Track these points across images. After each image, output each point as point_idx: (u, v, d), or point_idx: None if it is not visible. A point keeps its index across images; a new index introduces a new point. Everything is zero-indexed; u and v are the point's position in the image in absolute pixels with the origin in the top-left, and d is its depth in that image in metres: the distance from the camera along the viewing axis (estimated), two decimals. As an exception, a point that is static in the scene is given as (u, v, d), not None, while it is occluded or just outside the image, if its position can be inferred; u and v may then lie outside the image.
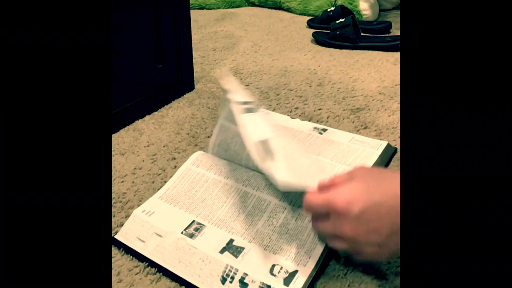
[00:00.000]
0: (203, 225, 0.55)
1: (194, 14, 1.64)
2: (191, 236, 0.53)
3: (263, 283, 0.48)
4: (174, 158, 0.73)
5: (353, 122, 0.84)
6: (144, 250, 0.53)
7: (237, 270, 0.49)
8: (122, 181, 0.67)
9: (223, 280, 0.49)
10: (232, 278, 0.49)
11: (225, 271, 0.49)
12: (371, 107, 0.91)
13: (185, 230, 0.54)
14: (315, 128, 0.77)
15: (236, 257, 0.51)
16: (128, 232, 0.55)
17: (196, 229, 0.54)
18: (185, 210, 0.57)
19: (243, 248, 0.52)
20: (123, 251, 0.54)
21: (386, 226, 0.41)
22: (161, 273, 0.51)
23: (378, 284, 0.50)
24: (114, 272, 0.51)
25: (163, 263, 0.51)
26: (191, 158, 0.65)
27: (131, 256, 0.53)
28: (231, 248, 0.52)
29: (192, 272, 0.50)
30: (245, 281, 0.48)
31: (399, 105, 0.90)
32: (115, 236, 0.55)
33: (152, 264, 0.52)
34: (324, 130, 0.77)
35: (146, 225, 0.55)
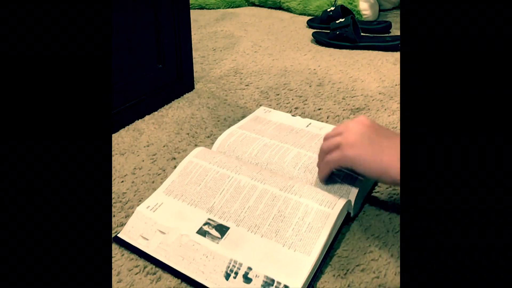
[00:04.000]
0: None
1: (194, 14, 1.64)
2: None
3: (267, 277, 0.48)
4: (174, 158, 0.73)
5: (353, 122, 0.84)
6: (147, 248, 0.53)
7: (240, 264, 0.49)
8: (122, 181, 0.67)
9: (227, 276, 0.49)
10: (236, 273, 0.49)
11: (228, 267, 0.49)
12: (371, 107, 0.91)
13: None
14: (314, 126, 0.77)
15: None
16: (131, 230, 0.55)
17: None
18: (195, 206, 0.57)
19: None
20: (123, 251, 0.54)
21: (371, 135, 0.54)
22: (161, 273, 0.51)
23: (378, 284, 0.50)
24: (114, 272, 0.51)
25: (167, 261, 0.51)
26: (192, 152, 0.65)
27: (131, 256, 0.53)
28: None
29: (196, 269, 0.50)
30: (249, 276, 0.48)
31: (399, 105, 0.90)
32: (118, 235, 0.55)
33: (155, 262, 0.52)
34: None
35: (150, 222, 0.55)
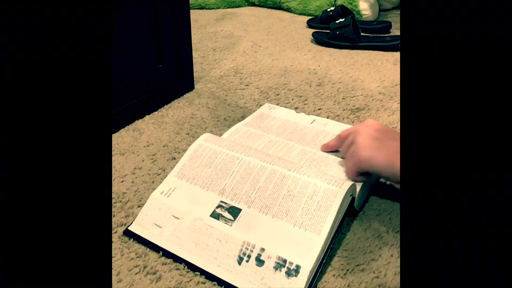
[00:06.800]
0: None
1: (194, 14, 1.64)
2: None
3: (279, 258, 0.49)
4: (174, 158, 0.73)
5: (353, 122, 0.85)
6: (160, 237, 0.53)
7: (253, 246, 0.50)
8: (122, 181, 0.67)
9: (240, 260, 0.49)
10: (249, 256, 0.49)
11: (241, 250, 0.50)
12: (371, 107, 0.91)
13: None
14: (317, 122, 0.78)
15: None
16: (144, 219, 0.56)
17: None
18: (207, 189, 0.58)
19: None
20: (123, 251, 0.54)
21: (379, 140, 0.58)
22: (161, 273, 0.51)
23: (378, 284, 0.50)
24: (114, 272, 0.51)
25: (180, 249, 0.52)
26: (201, 137, 0.65)
27: (131, 256, 0.53)
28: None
29: (208, 255, 0.51)
30: (261, 258, 0.49)
31: (399, 105, 0.90)
32: (129, 228, 0.56)
33: (167, 253, 0.52)
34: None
35: (164, 208, 0.56)
